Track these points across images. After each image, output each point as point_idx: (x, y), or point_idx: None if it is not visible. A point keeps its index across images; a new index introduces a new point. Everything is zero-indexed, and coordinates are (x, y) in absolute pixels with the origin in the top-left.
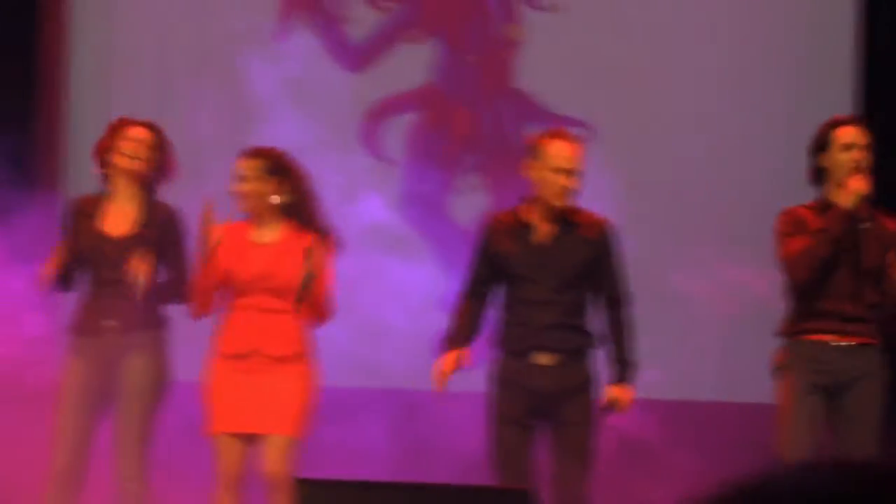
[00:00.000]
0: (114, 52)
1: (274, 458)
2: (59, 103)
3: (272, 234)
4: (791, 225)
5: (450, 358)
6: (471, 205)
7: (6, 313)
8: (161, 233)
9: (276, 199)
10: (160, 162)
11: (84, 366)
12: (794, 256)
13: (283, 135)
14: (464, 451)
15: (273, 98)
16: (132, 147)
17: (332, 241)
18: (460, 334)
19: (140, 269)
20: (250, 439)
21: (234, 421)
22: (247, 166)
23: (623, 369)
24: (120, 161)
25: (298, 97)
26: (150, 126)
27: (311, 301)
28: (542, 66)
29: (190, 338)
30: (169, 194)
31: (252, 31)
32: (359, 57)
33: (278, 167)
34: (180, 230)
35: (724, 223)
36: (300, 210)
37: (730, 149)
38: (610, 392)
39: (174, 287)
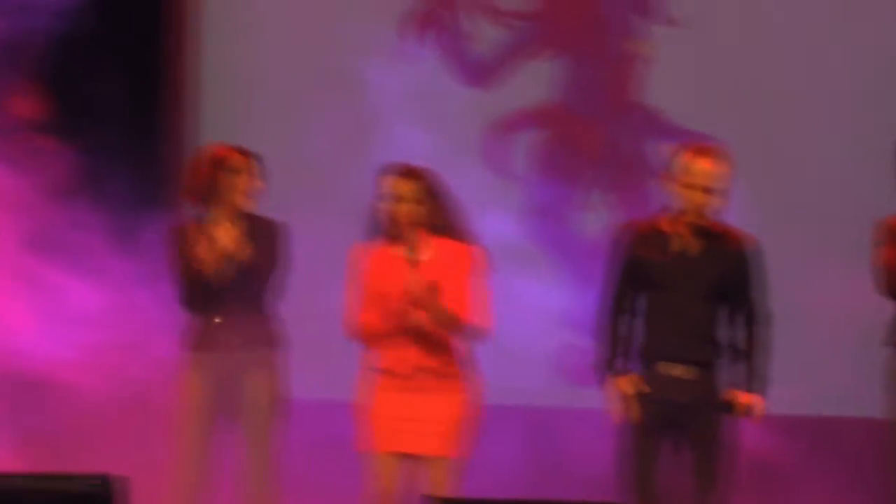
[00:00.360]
0: (239, 72)
1: (437, 481)
2: (186, 125)
3: (421, 252)
4: (884, 234)
5: (625, 382)
6: (595, 221)
7: (135, 335)
8: (267, 247)
9: (426, 217)
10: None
11: (203, 381)
12: (883, 266)
13: (405, 149)
14: (595, 468)
15: (396, 112)
16: (237, 179)
17: (484, 256)
18: (617, 354)
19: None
20: (409, 458)
21: (395, 440)
22: (404, 187)
23: (754, 382)
24: (225, 189)
25: (421, 112)
26: (242, 151)
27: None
28: (668, 81)
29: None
30: (293, 207)
31: (377, 45)
32: (482, 74)
33: (433, 188)
34: (283, 243)
35: (852, 238)
36: (450, 229)
37: (858, 164)
38: (742, 398)
39: (276, 295)
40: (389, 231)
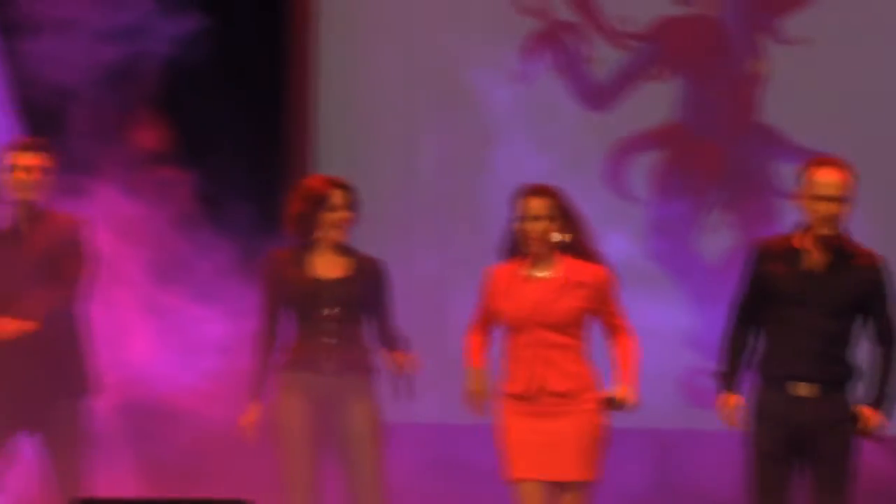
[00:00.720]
0: (358, 95)
1: None
2: (305, 151)
3: (548, 270)
4: None
5: (735, 398)
6: (716, 240)
7: None
8: (369, 283)
9: (558, 237)
10: (356, 215)
11: (300, 403)
12: None
13: (524, 170)
14: (717, 491)
15: (515, 133)
16: (333, 214)
17: (613, 274)
18: (737, 367)
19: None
20: (547, 484)
21: (535, 468)
22: (539, 206)
23: (880, 399)
24: (321, 224)
25: (540, 133)
26: (337, 184)
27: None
28: (788, 100)
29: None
30: (412, 227)
31: (496, 67)
32: (601, 96)
33: (564, 206)
34: (386, 282)
35: None
36: (578, 247)
37: None
38: (870, 417)
39: (382, 337)
40: (522, 250)
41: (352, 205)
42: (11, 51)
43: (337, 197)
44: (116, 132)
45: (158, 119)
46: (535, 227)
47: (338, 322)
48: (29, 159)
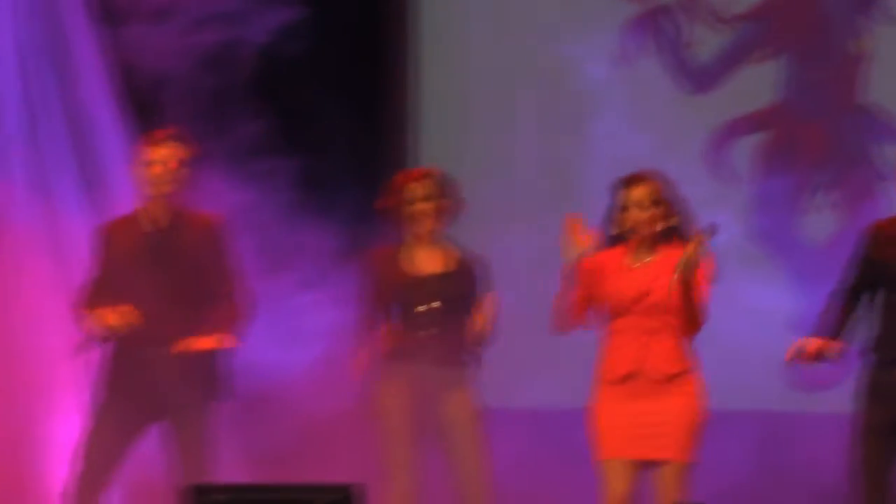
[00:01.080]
0: (458, 85)
1: (668, 486)
2: (407, 140)
3: (650, 255)
4: None
5: (814, 341)
6: (820, 222)
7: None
8: (467, 278)
9: (662, 224)
10: (449, 205)
11: (400, 392)
12: None
13: (627, 155)
14: (820, 474)
15: (617, 118)
16: (422, 206)
17: (711, 263)
18: (827, 329)
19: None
20: (639, 465)
21: (624, 447)
22: (642, 193)
23: None
24: (413, 216)
25: (643, 117)
26: (428, 175)
27: (687, 304)
28: (893, 80)
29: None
30: (513, 216)
31: (597, 53)
32: (704, 79)
33: (666, 192)
34: (484, 277)
35: None
36: (681, 231)
37: None
38: None
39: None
40: (621, 236)
41: (432, 195)
42: (111, 39)
43: (413, 189)
44: (218, 121)
45: (260, 108)
46: (640, 216)
47: (436, 317)
48: (163, 153)
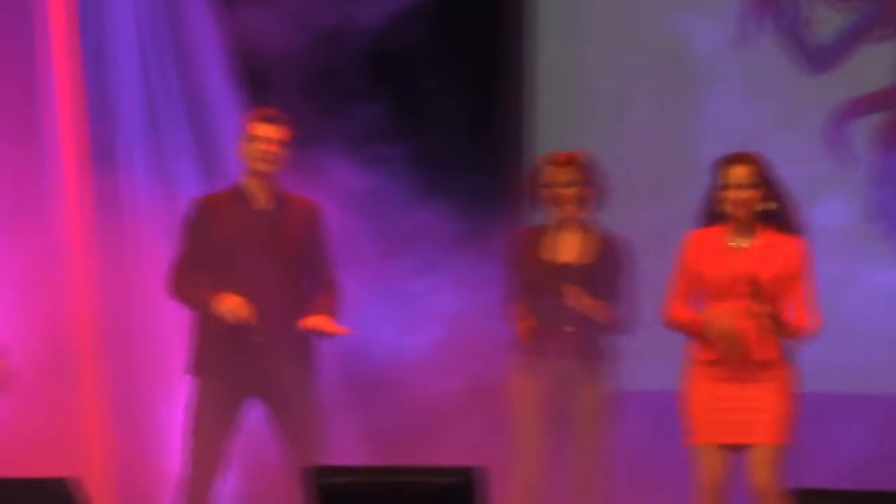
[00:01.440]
0: (574, 72)
1: (761, 469)
2: (524, 127)
3: (751, 238)
4: None
5: None
6: None
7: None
8: (609, 266)
9: (761, 205)
10: (593, 191)
11: (536, 382)
12: None
13: (743, 136)
14: None
15: (734, 100)
16: (559, 191)
17: (811, 251)
18: None
19: (581, 301)
20: (733, 449)
21: (718, 431)
22: (742, 173)
23: None
24: (553, 198)
25: (761, 98)
26: (572, 160)
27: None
28: None
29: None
30: (630, 202)
31: (714, 36)
32: (823, 60)
33: (765, 174)
34: (628, 263)
35: None
36: (782, 216)
37: None
38: None
39: (615, 318)
40: (722, 218)
41: (576, 181)
42: (228, 21)
43: (555, 174)
44: (337, 105)
45: (377, 92)
46: (739, 195)
47: (572, 308)
48: (270, 131)
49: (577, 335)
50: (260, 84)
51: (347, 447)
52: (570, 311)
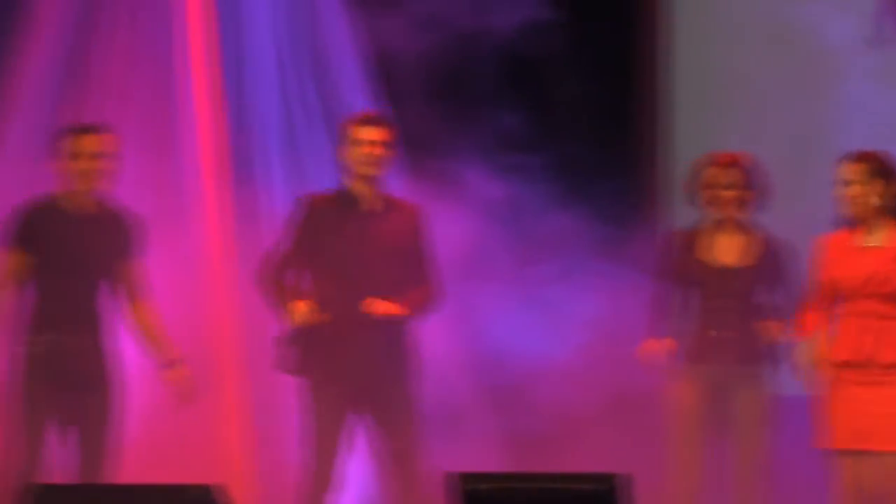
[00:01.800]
0: (711, 74)
1: (891, 476)
2: (661, 131)
3: (880, 237)
4: None
5: None
6: None
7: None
8: (771, 267)
9: (877, 201)
10: (754, 193)
11: (695, 391)
12: None
13: (881, 136)
14: None
15: (872, 97)
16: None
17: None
18: None
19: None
20: (870, 454)
21: (854, 436)
22: (852, 170)
23: None
24: (713, 199)
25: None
26: (735, 162)
27: None
28: None
29: None
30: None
31: (852, 34)
32: None
33: (883, 169)
34: (789, 264)
35: None
36: None
37: None
38: None
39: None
40: (848, 217)
41: (737, 184)
42: (363, 25)
43: (716, 175)
44: (474, 114)
45: (514, 101)
46: (849, 192)
47: (735, 313)
48: (373, 133)
49: (737, 338)
50: (395, 89)
51: (487, 453)
52: (730, 314)
